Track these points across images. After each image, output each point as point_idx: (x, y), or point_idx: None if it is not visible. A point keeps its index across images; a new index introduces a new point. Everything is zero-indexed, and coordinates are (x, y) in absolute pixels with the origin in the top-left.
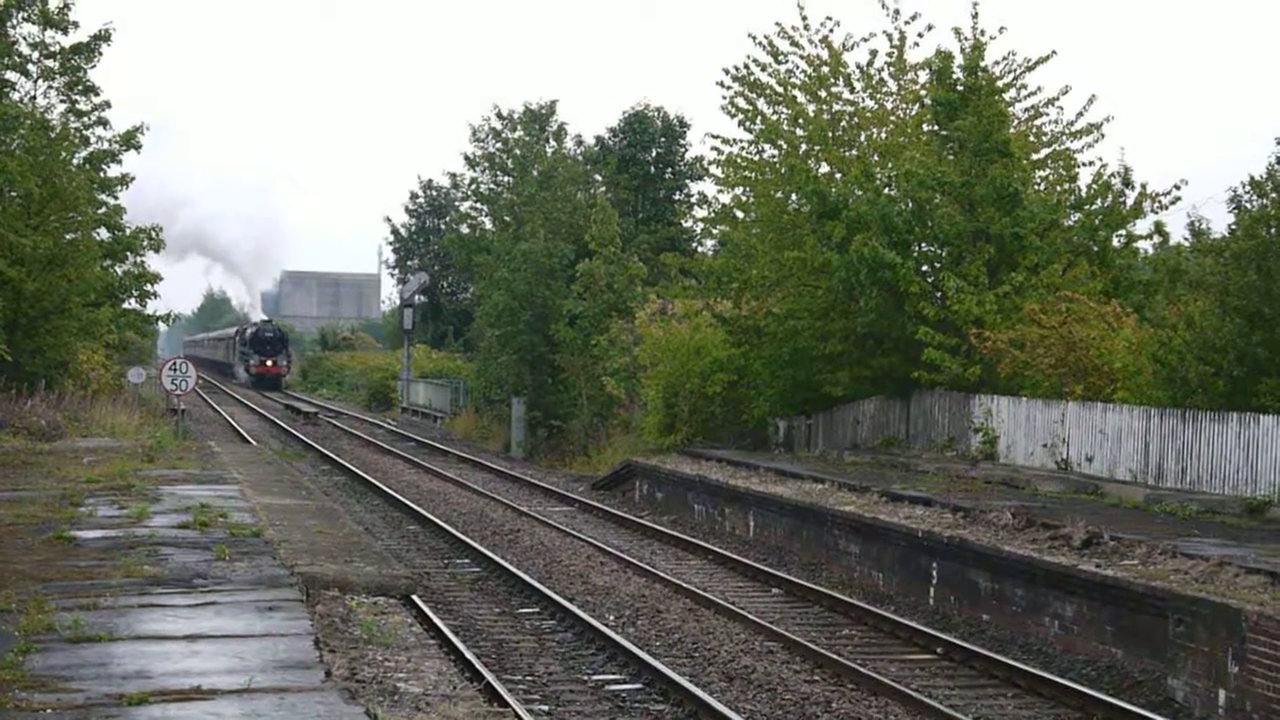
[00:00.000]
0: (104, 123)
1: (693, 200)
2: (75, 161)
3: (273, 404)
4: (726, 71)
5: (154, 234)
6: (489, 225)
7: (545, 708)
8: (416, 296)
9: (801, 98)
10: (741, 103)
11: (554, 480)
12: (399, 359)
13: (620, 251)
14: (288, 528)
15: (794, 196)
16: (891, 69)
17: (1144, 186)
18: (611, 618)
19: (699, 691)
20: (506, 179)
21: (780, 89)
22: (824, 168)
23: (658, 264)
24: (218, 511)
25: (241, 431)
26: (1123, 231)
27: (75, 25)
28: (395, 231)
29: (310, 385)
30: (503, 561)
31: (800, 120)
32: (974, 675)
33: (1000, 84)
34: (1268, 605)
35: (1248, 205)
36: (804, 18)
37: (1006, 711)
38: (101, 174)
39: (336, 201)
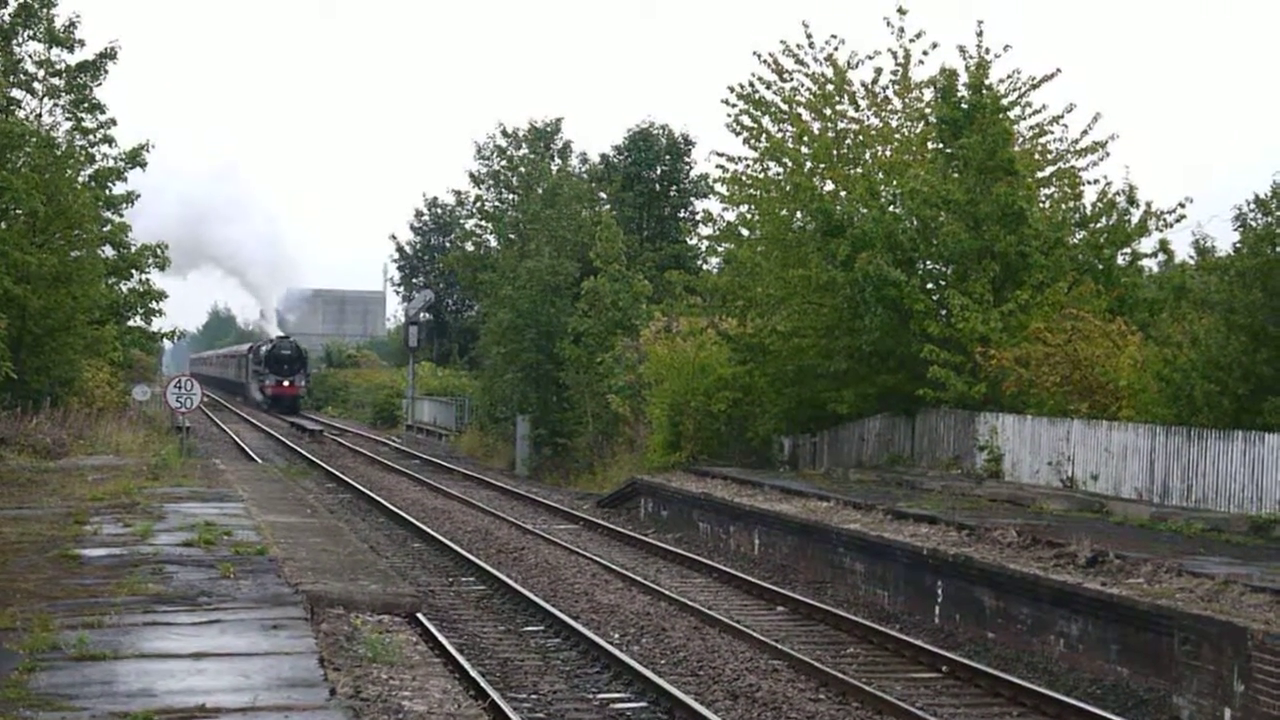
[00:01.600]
0: (109, 140)
1: (698, 218)
2: (80, 179)
3: (278, 422)
4: (731, 89)
5: (159, 251)
6: (494, 243)
7: None
8: (421, 314)
9: (806, 115)
10: (746, 120)
11: (559, 498)
12: (404, 376)
13: (625, 269)
14: (292, 545)
15: (799, 214)
16: (896, 87)
17: (1149, 204)
18: (616, 636)
19: (704, 710)
20: (511, 196)
21: (785, 107)
22: (829, 185)
23: (663, 281)
24: (222, 529)
25: (246, 449)
26: (1128, 249)
27: (81, 43)
28: (400, 249)
29: (315, 403)
30: (507, 579)
31: (805, 138)
32: (979, 694)
33: (1005, 102)
34: (1273, 624)
35: (1252, 223)
36: (809, 36)
37: None
38: (107, 191)
39: (342, 219)
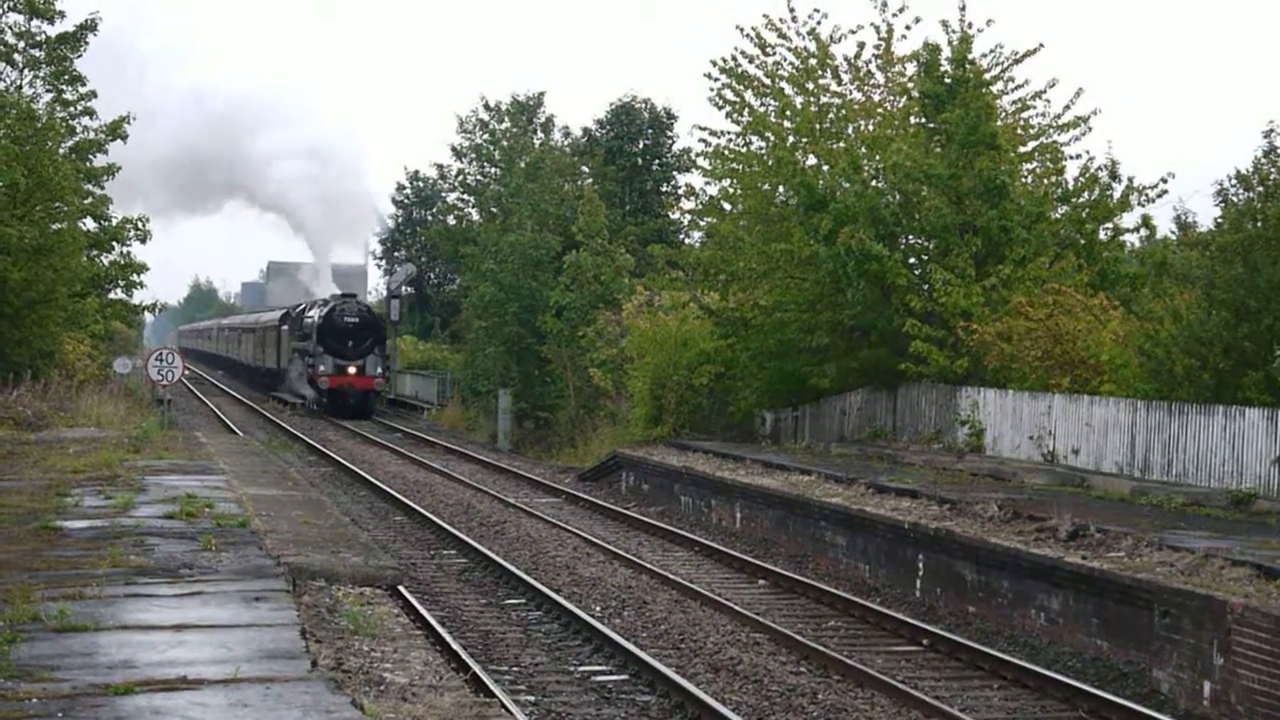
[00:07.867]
0: (90, 113)
1: (680, 192)
2: (61, 151)
3: (259, 395)
4: (714, 64)
5: (140, 224)
6: (476, 217)
7: (531, 698)
8: (403, 288)
9: (789, 90)
10: (729, 95)
11: (540, 472)
12: None
13: (607, 243)
14: (274, 518)
15: (781, 188)
16: (879, 61)
17: (1131, 180)
18: (598, 609)
19: (685, 683)
20: (493, 170)
21: (768, 81)
22: (811, 160)
23: (645, 255)
24: (204, 502)
25: (228, 422)
26: (1110, 224)
27: (61, 15)
28: (382, 222)
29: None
30: (489, 553)
31: (788, 112)
32: (960, 667)
33: (987, 76)
34: (1253, 597)
35: (1234, 199)
36: (791, 10)
37: (992, 703)
38: (88, 164)
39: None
